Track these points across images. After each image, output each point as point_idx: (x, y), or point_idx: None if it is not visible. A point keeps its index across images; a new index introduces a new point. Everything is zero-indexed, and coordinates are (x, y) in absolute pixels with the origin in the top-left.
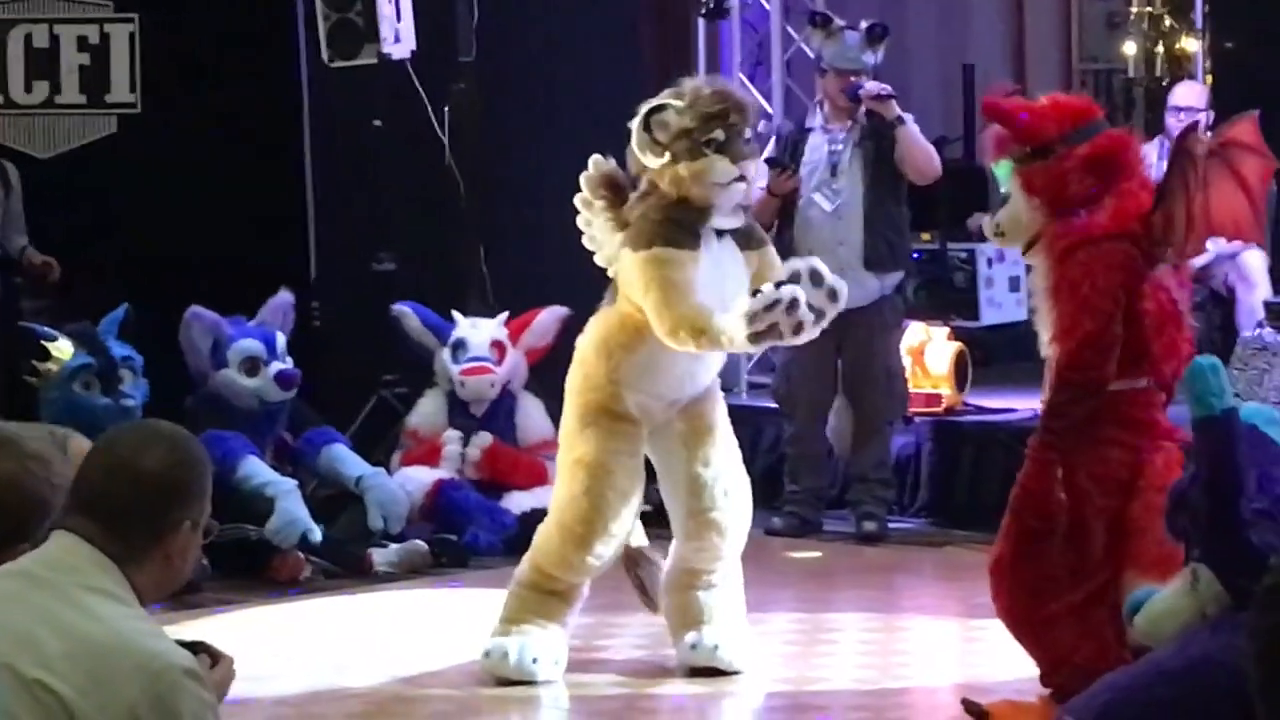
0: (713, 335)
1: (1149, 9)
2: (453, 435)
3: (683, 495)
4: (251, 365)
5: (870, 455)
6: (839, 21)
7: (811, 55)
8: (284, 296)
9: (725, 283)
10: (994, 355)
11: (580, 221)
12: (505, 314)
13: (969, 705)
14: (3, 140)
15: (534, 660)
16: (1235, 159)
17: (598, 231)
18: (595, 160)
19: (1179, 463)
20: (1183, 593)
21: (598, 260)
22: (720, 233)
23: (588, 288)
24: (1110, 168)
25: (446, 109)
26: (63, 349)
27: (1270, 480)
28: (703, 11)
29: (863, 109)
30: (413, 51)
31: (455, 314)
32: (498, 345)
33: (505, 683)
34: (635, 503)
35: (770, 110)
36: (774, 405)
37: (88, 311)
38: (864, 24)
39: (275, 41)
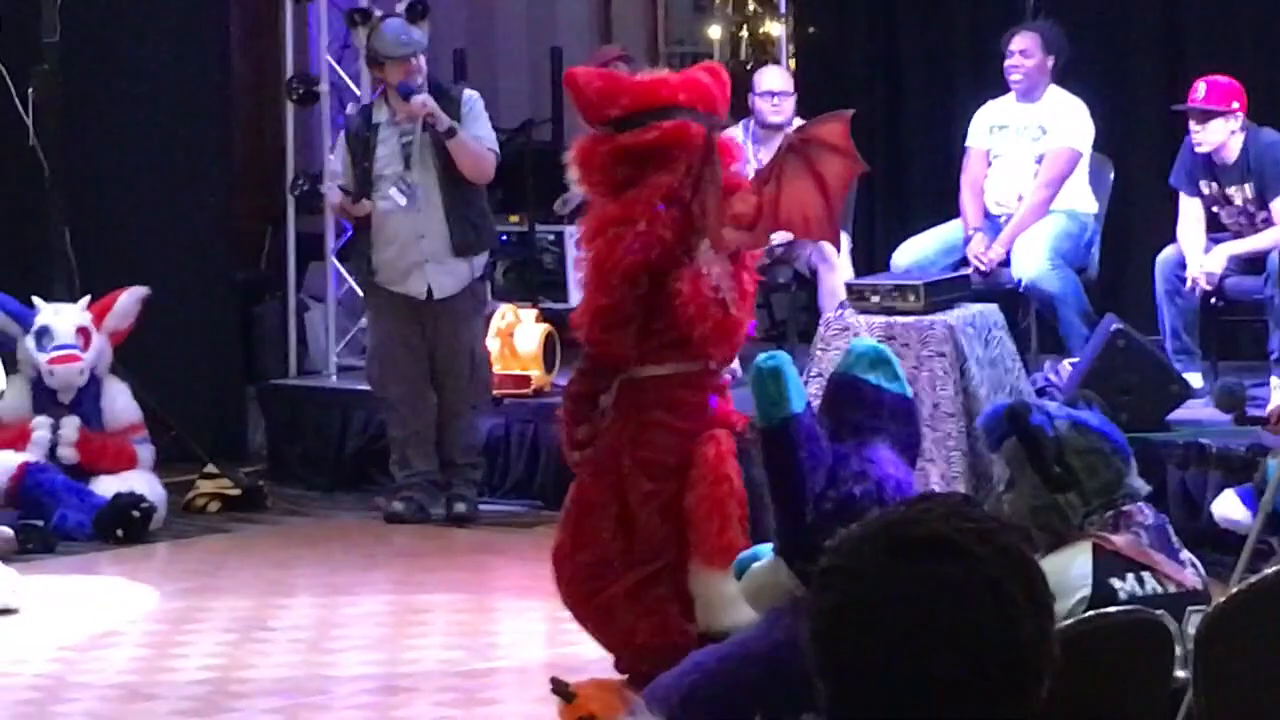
0: None
1: None
2: (42, 421)
3: None
4: None
5: (457, 438)
6: (377, 11)
7: (363, 52)
8: None
9: None
10: None
11: None
12: (87, 298)
13: (557, 685)
14: None
15: None
16: (816, 157)
17: None
18: None
19: (732, 452)
20: (775, 569)
21: None
22: None
23: (174, 267)
24: (651, 159)
25: (30, 90)
26: None
27: (844, 474)
28: None
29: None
30: None
31: (36, 300)
32: (83, 331)
33: None
34: None
35: (359, 92)
36: (363, 388)
37: None
38: (401, 5)
39: None
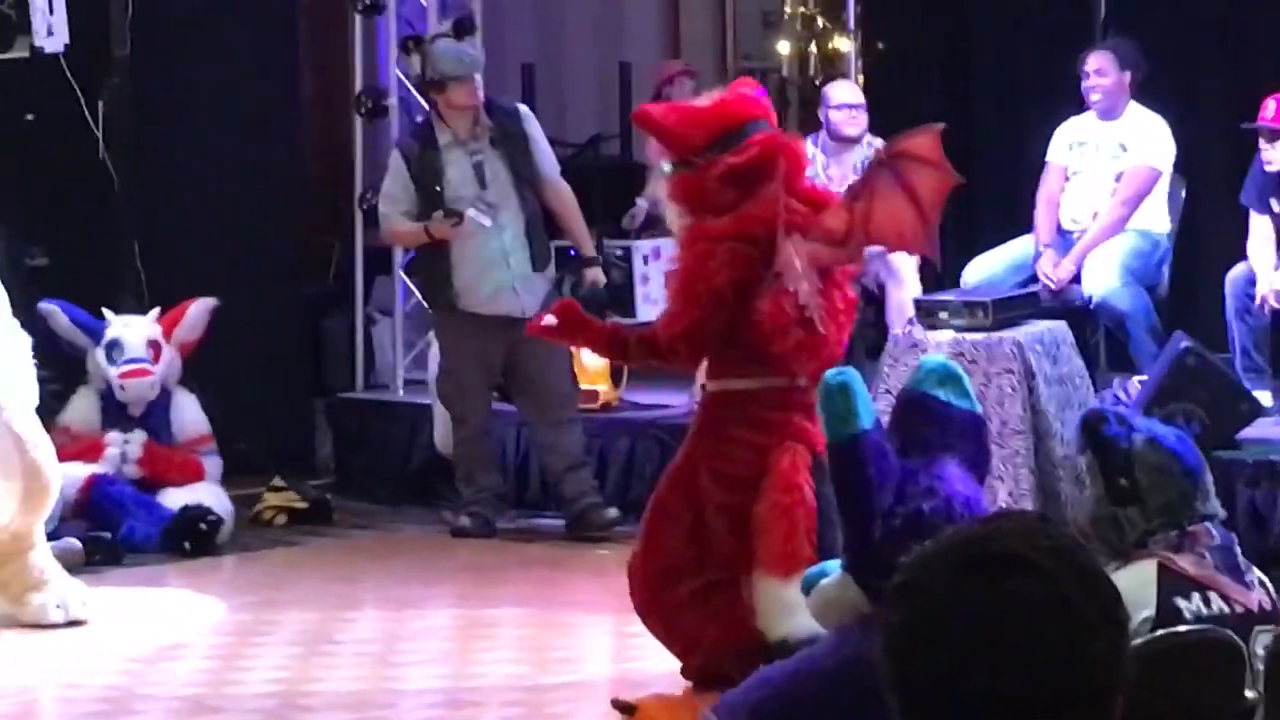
0: None
1: (803, 9)
2: (116, 437)
3: (18, 458)
4: None
5: (574, 445)
6: (426, 33)
7: (415, 76)
8: None
9: None
10: None
11: None
12: (157, 310)
13: (617, 703)
14: None
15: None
16: (907, 171)
17: None
18: None
19: (806, 464)
20: (843, 585)
21: None
22: None
23: (241, 279)
24: (753, 177)
25: (100, 103)
26: None
27: (913, 490)
28: (359, 7)
29: (485, 118)
30: (66, 45)
31: (106, 312)
32: (153, 344)
33: None
34: None
35: (426, 105)
36: (430, 402)
37: None
38: (447, 23)
39: None
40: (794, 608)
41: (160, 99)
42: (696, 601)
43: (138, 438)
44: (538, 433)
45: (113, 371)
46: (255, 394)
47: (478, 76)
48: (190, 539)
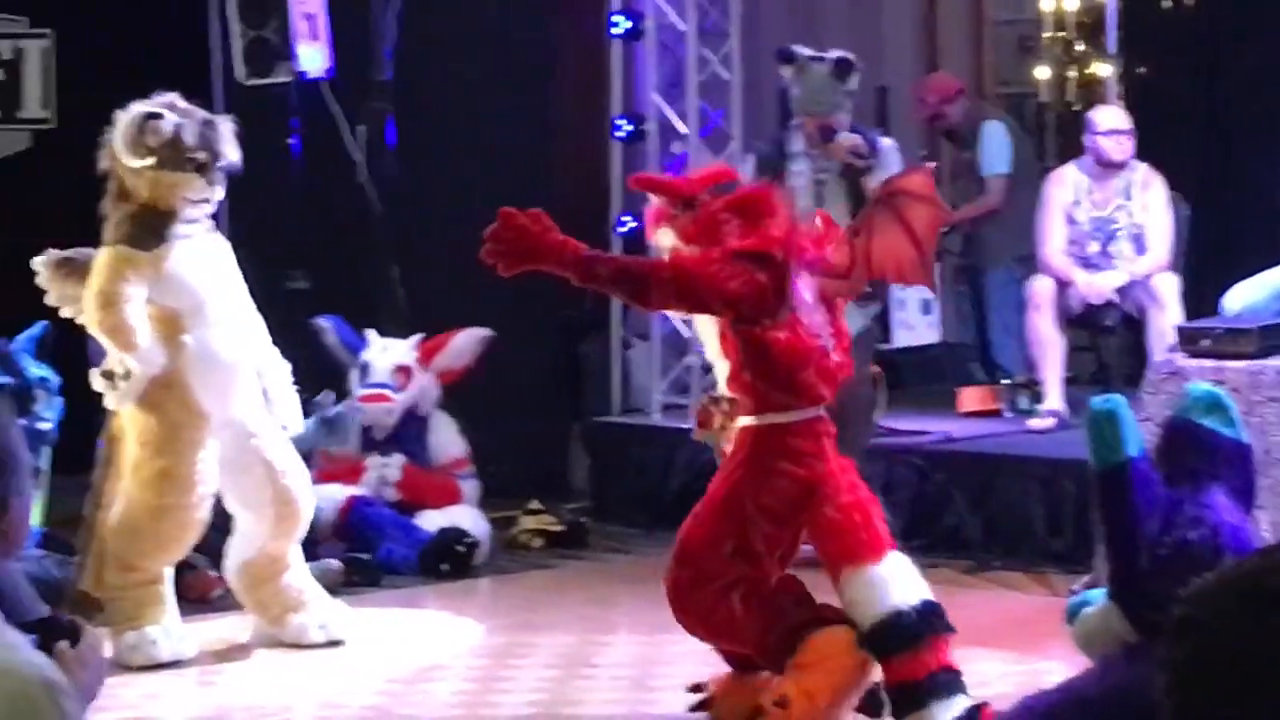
0: (110, 321)
1: (1062, 34)
2: (376, 460)
3: (269, 483)
4: None
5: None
6: (804, 53)
7: (780, 89)
8: None
9: (209, 263)
10: (906, 377)
11: (50, 299)
12: (419, 336)
13: (696, 689)
14: None
15: (153, 643)
16: (904, 207)
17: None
18: (40, 262)
19: (847, 468)
20: (1108, 615)
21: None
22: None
23: (500, 305)
24: (753, 210)
25: (362, 128)
26: None
27: (1180, 519)
28: (618, 34)
29: None
30: (329, 70)
31: (371, 333)
32: (403, 370)
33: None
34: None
35: (684, 130)
36: (687, 426)
37: (2, 329)
38: (831, 57)
39: (190, 58)
40: (891, 582)
41: (421, 123)
42: (726, 592)
43: (397, 461)
44: None
45: (356, 393)
46: (513, 418)
47: (840, 116)
48: (447, 561)
